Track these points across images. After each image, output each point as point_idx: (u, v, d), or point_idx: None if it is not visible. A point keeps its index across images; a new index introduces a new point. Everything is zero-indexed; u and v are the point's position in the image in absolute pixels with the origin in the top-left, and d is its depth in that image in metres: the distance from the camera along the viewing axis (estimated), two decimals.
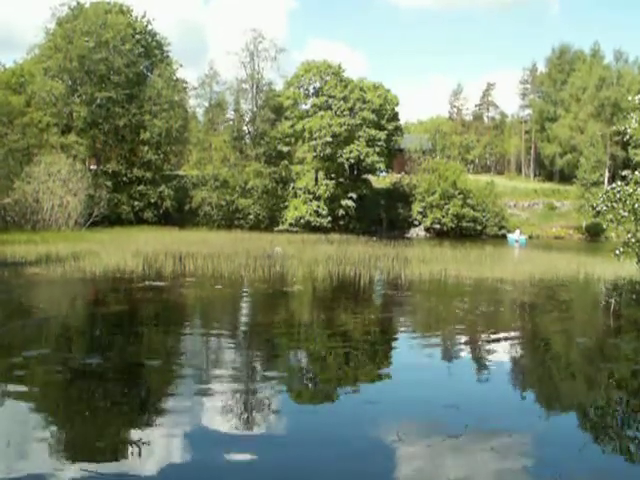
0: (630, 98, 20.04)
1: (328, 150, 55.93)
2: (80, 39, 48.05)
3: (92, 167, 51.95)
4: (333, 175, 58.18)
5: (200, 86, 60.71)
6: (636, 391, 8.72)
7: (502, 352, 10.87)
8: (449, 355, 10.82)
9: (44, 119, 45.88)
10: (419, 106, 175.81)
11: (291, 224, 55.94)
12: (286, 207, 57.14)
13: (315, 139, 55.97)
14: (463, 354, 10.90)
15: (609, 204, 17.89)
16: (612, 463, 6.11)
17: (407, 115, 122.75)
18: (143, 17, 55.73)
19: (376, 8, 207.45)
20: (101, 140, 51.26)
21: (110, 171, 51.85)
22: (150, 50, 55.62)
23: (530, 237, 58.34)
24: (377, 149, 58.00)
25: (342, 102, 57.39)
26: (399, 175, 67.70)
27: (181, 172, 59.01)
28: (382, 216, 60.70)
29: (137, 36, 53.63)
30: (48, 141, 44.57)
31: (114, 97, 48.88)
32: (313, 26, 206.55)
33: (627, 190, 17.25)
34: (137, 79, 52.62)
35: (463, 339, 12.25)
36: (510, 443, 6.53)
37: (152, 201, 51.35)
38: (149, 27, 56.10)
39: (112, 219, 47.06)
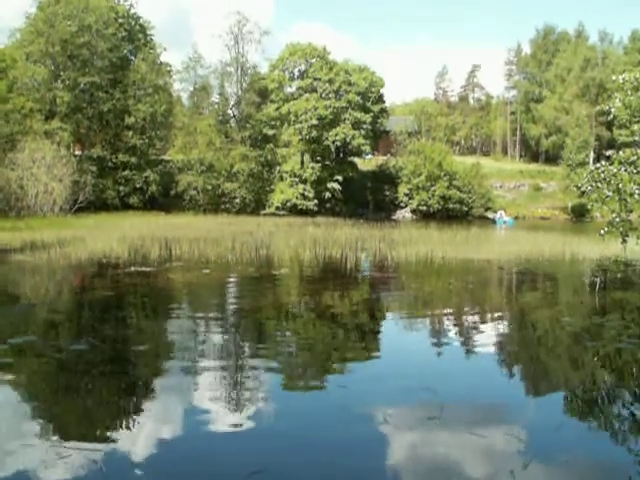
0: (614, 78, 20.02)
1: (314, 133, 55.81)
2: (62, 23, 47.49)
3: (77, 153, 51.59)
4: (319, 158, 58.10)
5: (184, 70, 60.32)
6: (620, 370, 8.81)
7: (487, 332, 10.94)
8: (435, 336, 10.86)
9: (27, 105, 45.40)
10: (404, 87, 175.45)
11: (277, 207, 55.94)
12: (272, 190, 57.10)
13: (301, 122, 55.85)
14: (449, 335, 10.94)
15: (594, 184, 17.91)
16: (594, 442, 6.17)
17: (392, 96, 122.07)
18: (126, 0, 55.21)
19: None
20: (85, 125, 50.85)
21: (95, 156, 51.59)
22: (133, 34, 55.19)
23: (516, 218, 58.66)
24: (363, 132, 57.85)
25: (327, 85, 57.19)
26: (385, 157, 67.69)
27: (166, 157, 58.69)
28: (368, 198, 60.78)
29: (120, 20, 53.17)
30: (32, 127, 44.12)
31: (98, 82, 48.50)
32: (298, 8, 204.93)
33: (611, 170, 17.26)
34: (121, 63, 52.21)
35: (449, 320, 12.31)
36: (491, 424, 6.60)
37: (138, 186, 51.14)
38: (132, 10, 55.68)
39: (98, 205, 46.86)
